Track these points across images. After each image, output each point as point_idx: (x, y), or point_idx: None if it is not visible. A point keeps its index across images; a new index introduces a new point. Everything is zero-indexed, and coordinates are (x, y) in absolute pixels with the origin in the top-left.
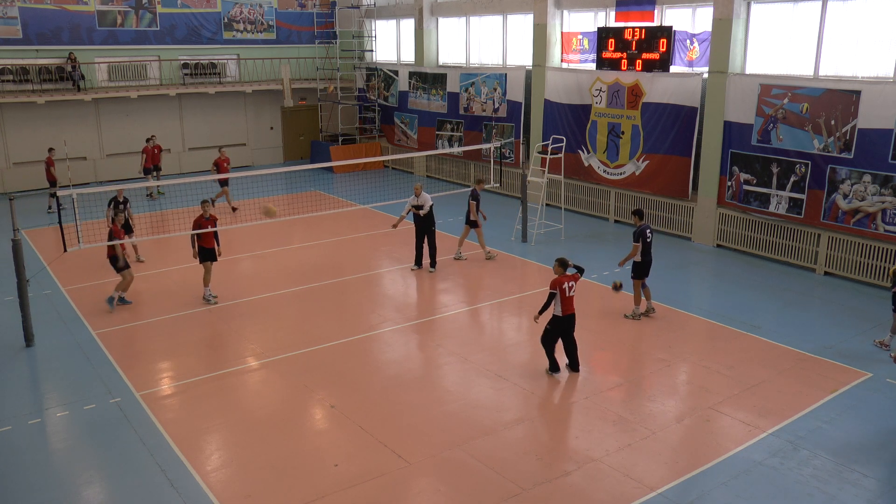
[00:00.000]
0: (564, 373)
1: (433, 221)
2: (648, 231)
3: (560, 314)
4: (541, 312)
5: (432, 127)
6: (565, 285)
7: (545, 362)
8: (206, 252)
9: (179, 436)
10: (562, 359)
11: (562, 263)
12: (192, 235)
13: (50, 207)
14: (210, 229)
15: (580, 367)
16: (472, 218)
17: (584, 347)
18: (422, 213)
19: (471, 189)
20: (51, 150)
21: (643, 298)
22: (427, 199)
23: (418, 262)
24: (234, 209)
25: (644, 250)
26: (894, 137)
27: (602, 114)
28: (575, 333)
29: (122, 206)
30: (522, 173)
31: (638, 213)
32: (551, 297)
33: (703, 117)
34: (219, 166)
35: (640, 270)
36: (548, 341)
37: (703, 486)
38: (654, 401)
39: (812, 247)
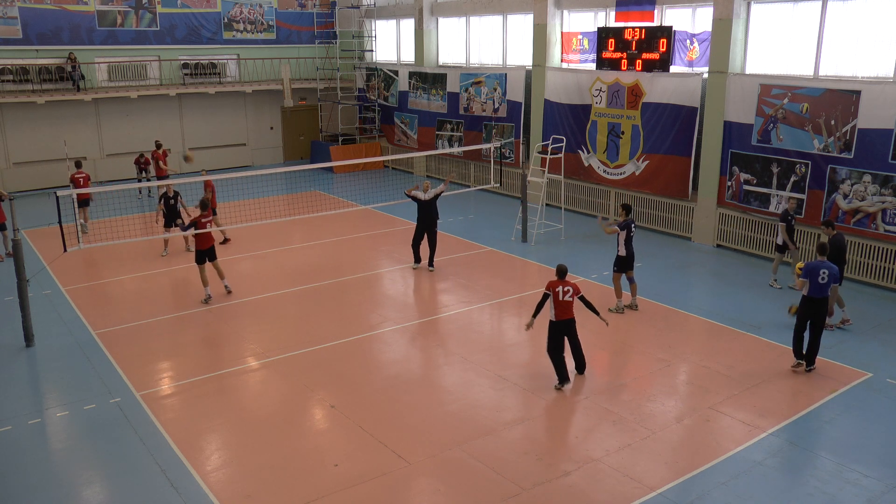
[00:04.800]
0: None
1: (437, 216)
2: (633, 226)
3: (553, 319)
4: (535, 314)
5: (432, 127)
6: (559, 289)
7: (546, 361)
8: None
9: (179, 436)
10: (570, 363)
11: (558, 271)
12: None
13: (155, 196)
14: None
15: (585, 369)
16: (779, 243)
17: (584, 347)
18: (426, 196)
19: (783, 210)
20: (158, 143)
21: (627, 293)
22: (433, 190)
23: (418, 259)
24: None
25: (626, 244)
26: (894, 137)
27: (602, 114)
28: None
29: (172, 201)
30: (522, 173)
31: (626, 208)
32: (544, 297)
33: (703, 117)
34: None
35: (622, 264)
36: (552, 349)
37: (703, 486)
38: (654, 401)
39: (812, 247)
